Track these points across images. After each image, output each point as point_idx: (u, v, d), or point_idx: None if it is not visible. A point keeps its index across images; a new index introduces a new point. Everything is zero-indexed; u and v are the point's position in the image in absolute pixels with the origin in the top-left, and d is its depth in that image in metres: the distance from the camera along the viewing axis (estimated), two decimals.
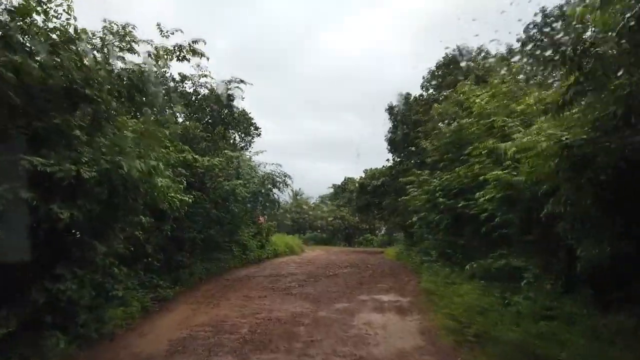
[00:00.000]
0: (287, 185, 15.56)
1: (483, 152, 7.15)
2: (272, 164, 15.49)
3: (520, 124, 6.69)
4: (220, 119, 14.92)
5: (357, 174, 39.58)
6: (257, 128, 17.57)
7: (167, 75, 14.10)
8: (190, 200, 9.00)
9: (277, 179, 15.17)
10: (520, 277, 5.83)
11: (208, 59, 6.96)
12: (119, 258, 6.93)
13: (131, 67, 6.05)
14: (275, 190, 15.82)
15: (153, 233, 9.21)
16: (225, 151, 12.88)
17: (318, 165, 70.42)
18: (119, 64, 6.02)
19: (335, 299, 9.59)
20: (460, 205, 8.83)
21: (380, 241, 38.64)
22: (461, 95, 10.07)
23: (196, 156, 9.39)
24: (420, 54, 57.08)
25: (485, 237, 7.36)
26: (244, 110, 16.62)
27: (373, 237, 40.82)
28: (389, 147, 20.88)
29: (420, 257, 14.68)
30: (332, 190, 46.27)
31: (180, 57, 6.84)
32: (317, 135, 77.89)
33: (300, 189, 41.48)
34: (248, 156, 15.28)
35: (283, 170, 15.50)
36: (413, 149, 18.22)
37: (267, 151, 18.44)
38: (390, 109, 20.11)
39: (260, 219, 19.22)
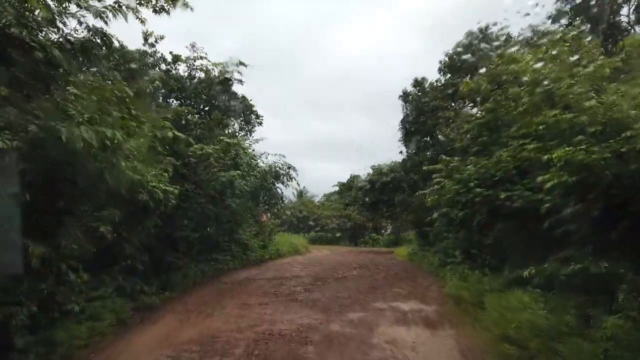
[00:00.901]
0: (291, 178, 14.13)
1: (542, 127, 5.69)
2: (275, 154, 14.07)
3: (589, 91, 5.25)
4: (217, 105, 13.50)
5: (358, 173, 38.17)
6: (258, 116, 16.08)
7: (158, 55, 12.84)
8: (176, 192, 7.64)
9: (281, 171, 13.74)
10: (605, 288, 4.34)
11: (192, 9, 5.48)
12: (83, 261, 5.61)
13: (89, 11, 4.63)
14: (279, 185, 14.49)
15: (134, 230, 7.87)
16: (222, 138, 11.46)
17: (318, 165, 69.50)
18: (75, 9, 4.60)
19: (347, 307, 8.45)
20: (502, 196, 7.35)
21: (386, 241, 37.39)
22: (498, 67, 8.57)
23: (179, 133, 7.93)
24: (421, 55, 55.98)
25: (537, 235, 5.92)
26: (243, 96, 15.16)
27: (379, 237, 39.55)
28: (402, 138, 19.29)
29: (440, 258, 13.25)
30: (337, 188, 44.90)
31: (157, 8, 5.40)
32: (317, 135, 77.28)
33: (305, 187, 40.28)
34: (248, 144, 13.79)
35: (287, 161, 14.08)
36: (428, 139, 16.75)
37: (268, 139, 17.07)
38: (405, 96, 18.53)
39: (263, 217, 18.02)
